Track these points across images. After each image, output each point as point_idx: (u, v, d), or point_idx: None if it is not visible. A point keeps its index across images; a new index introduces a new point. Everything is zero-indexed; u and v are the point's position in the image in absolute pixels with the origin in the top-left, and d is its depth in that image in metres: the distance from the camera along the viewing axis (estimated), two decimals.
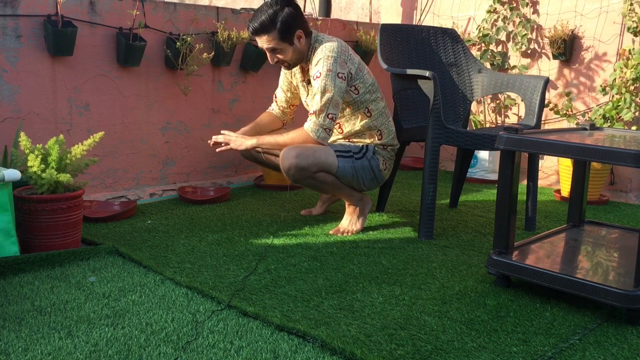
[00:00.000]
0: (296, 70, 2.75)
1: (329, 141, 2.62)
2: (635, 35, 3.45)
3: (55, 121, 2.95)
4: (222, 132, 2.68)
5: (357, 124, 2.69)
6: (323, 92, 2.49)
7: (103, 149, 3.07)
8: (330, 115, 2.51)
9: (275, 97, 2.92)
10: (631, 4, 3.44)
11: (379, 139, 2.70)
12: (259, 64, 3.63)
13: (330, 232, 2.69)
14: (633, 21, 3.43)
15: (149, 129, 3.30)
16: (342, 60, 2.54)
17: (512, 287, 2.09)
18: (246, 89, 3.69)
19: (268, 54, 2.60)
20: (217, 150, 2.65)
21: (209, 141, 2.71)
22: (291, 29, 2.51)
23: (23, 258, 2.12)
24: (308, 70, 2.66)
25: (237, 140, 2.63)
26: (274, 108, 2.93)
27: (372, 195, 3.10)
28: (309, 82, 2.69)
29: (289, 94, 2.87)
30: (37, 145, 2.32)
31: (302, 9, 2.65)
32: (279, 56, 2.57)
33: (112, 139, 3.15)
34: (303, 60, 2.64)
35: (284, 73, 2.84)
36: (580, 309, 1.93)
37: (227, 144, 2.64)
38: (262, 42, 2.54)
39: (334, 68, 2.50)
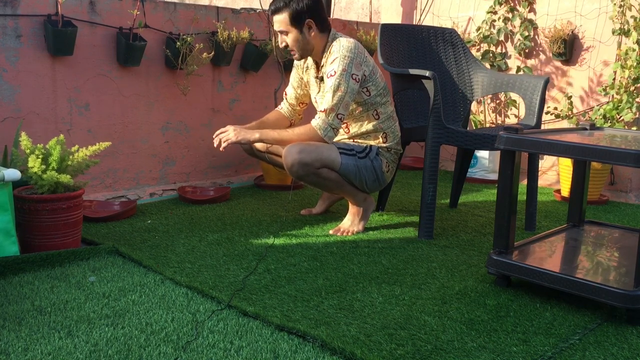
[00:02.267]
0: (310, 64, 2.75)
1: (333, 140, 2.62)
2: (626, 37, 3.47)
3: (55, 121, 2.95)
4: (220, 132, 2.60)
5: (364, 125, 2.69)
6: (335, 92, 2.49)
7: (103, 149, 3.06)
8: (339, 116, 2.52)
9: (285, 94, 2.93)
10: (620, 6, 3.46)
11: (383, 142, 2.71)
12: (259, 63, 3.63)
13: (331, 231, 2.69)
14: (621, 23, 3.46)
15: (149, 128, 3.30)
16: (358, 62, 2.55)
17: (512, 287, 2.09)
18: (246, 89, 3.69)
19: (278, 37, 2.63)
20: (221, 148, 2.55)
21: (214, 142, 2.57)
22: (302, 16, 2.53)
23: (23, 258, 2.12)
24: (323, 66, 2.66)
25: (239, 132, 2.55)
26: (283, 106, 2.94)
27: (372, 195, 3.10)
28: (322, 79, 2.68)
29: (299, 91, 2.87)
30: (38, 145, 2.31)
31: (322, 2, 2.63)
32: (286, 40, 2.59)
33: (112, 139, 3.14)
34: (311, 53, 2.64)
35: (295, 69, 2.84)
36: (580, 309, 1.93)
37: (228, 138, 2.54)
38: (275, 22, 2.59)
39: (349, 69, 2.51)
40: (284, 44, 2.61)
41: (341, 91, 2.49)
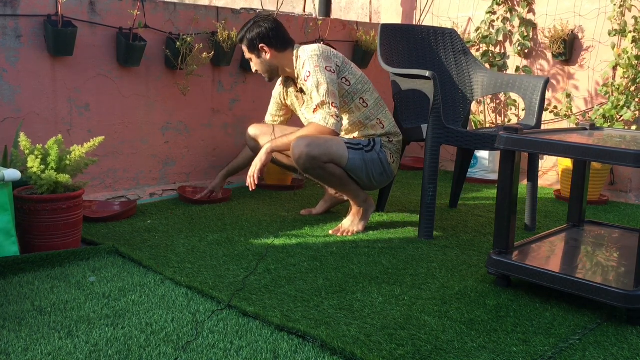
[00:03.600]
0: (288, 85, 2.88)
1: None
2: (624, 37, 3.48)
3: (56, 121, 2.95)
4: (249, 179, 2.60)
5: (356, 115, 2.74)
6: (318, 87, 2.57)
7: (103, 149, 3.07)
8: (333, 104, 2.56)
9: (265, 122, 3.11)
10: (620, 7, 3.46)
11: (381, 128, 2.73)
12: None
13: (331, 231, 2.69)
14: (618, 24, 3.47)
15: (149, 129, 3.30)
16: (326, 56, 2.66)
17: (512, 287, 2.09)
18: (246, 89, 3.69)
19: None
20: (253, 188, 2.58)
21: (249, 183, 2.59)
22: (255, 43, 2.72)
23: (23, 258, 2.12)
24: (297, 77, 2.74)
25: (257, 161, 2.59)
26: None
27: (372, 195, 3.10)
28: (302, 91, 2.76)
29: (277, 119, 3.04)
30: (37, 145, 2.32)
31: (278, 25, 2.75)
32: (252, 65, 2.81)
33: (112, 139, 3.15)
34: (278, 72, 2.79)
35: (274, 99, 3.01)
36: (581, 309, 1.93)
37: (257, 176, 2.59)
38: None
39: (321, 63, 2.62)
40: (255, 69, 2.82)
41: (323, 84, 2.57)
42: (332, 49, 2.73)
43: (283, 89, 2.93)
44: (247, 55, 2.79)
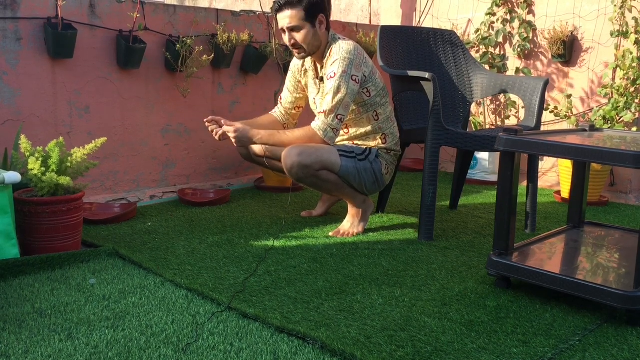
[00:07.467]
0: (308, 67, 2.75)
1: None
2: (625, 38, 3.48)
3: (56, 124, 2.96)
4: (224, 124, 2.63)
5: (364, 126, 2.70)
6: (335, 93, 2.50)
7: (103, 151, 3.07)
8: (339, 117, 2.52)
9: (280, 98, 2.93)
10: (620, 7, 3.46)
11: (383, 143, 2.71)
12: (259, 66, 3.64)
13: (331, 233, 2.69)
14: (620, 25, 3.47)
15: (149, 131, 3.31)
16: (358, 63, 2.56)
17: (512, 289, 2.09)
18: (246, 91, 3.70)
19: (286, 35, 2.55)
20: (217, 137, 2.61)
21: (214, 132, 2.63)
22: (316, 9, 2.52)
23: (23, 260, 2.12)
24: (322, 67, 2.66)
25: (239, 138, 2.57)
26: (277, 110, 2.94)
27: (372, 196, 3.10)
28: (321, 79, 2.68)
29: (295, 95, 2.87)
30: (38, 147, 2.32)
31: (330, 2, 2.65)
32: (297, 37, 2.53)
33: (112, 141, 3.15)
34: (317, 52, 2.62)
35: (292, 73, 2.84)
36: (580, 310, 1.93)
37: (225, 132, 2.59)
38: (284, 18, 2.52)
39: (349, 70, 2.52)
40: (292, 41, 2.55)
41: (341, 93, 2.50)
42: (365, 56, 2.61)
43: (302, 66, 2.78)
44: (297, 22, 2.50)
